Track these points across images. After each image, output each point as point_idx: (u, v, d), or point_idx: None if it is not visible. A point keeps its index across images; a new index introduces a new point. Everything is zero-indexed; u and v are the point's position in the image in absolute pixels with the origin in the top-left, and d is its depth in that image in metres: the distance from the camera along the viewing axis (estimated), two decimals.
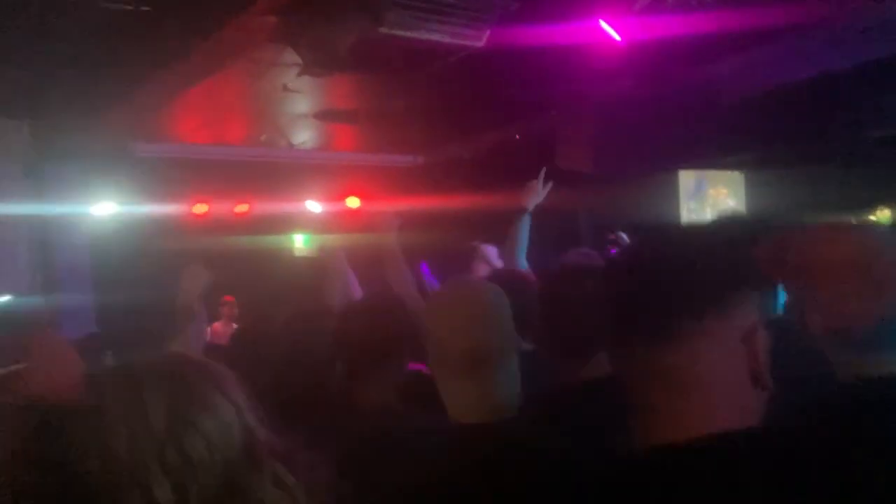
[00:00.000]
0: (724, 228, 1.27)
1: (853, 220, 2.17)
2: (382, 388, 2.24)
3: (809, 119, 5.80)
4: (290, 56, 4.63)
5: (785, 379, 1.17)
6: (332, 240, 3.90)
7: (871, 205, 6.95)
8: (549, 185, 3.59)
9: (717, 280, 1.10)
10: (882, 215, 6.98)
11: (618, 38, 4.35)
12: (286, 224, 8.22)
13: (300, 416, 2.12)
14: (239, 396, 1.23)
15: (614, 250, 4.44)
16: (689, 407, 1.08)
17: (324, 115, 6.59)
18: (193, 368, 1.24)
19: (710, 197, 7.09)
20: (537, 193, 3.52)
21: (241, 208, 8.17)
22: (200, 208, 7.86)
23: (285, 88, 5.55)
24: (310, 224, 8.06)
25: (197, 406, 1.17)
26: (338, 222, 7.85)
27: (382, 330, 2.25)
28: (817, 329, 1.46)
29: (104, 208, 7.16)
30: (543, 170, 3.57)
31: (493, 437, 1.66)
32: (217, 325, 7.62)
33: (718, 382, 1.09)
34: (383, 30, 3.64)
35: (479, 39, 3.85)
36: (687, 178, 7.01)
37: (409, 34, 3.68)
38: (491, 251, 4.12)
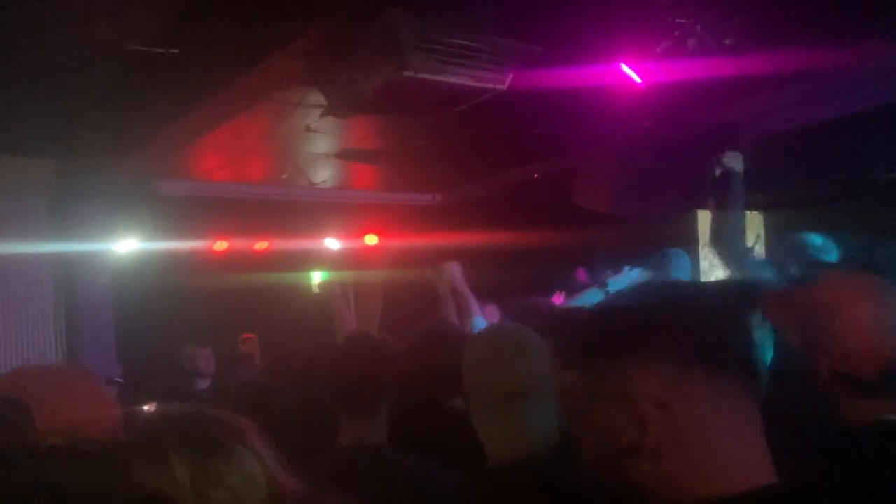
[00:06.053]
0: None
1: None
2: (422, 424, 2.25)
3: (828, 160, 5.79)
4: (315, 97, 4.69)
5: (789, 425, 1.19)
6: (367, 276, 4.23)
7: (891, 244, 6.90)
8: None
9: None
10: None
11: (638, 80, 4.39)
12: (306, 261, 8.26)
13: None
14: (262, 447, 1.24)
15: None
16: None
17: (344, 155, 6.65)
18: (216, 422, 1.25)
19: None
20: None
21: (262, 245, 8.23)
22: (221, 245, 7.93)
23: (308, 129, 5.61)
24: (331, 261, 8.09)
25: (222, 460, 1.18)
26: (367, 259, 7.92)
27: (434, 367, 2.26)
28: (824, 373, 1.49)
29: (126, 245, 7.23)
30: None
31: (528, 474, 1.69)
32: None
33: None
34: (408, 73, 3.67)
35: (503, 83, 3.89)
36: (705, 219, 6.99)
37: (433, 77, 3.71)
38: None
